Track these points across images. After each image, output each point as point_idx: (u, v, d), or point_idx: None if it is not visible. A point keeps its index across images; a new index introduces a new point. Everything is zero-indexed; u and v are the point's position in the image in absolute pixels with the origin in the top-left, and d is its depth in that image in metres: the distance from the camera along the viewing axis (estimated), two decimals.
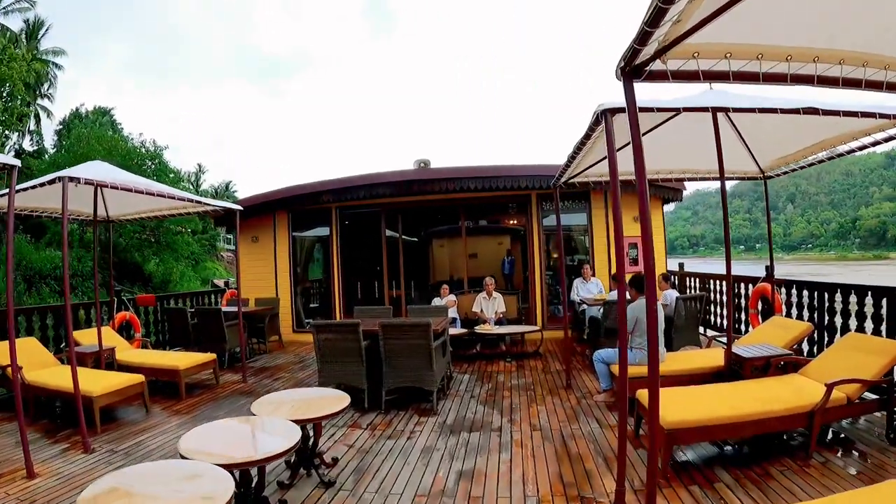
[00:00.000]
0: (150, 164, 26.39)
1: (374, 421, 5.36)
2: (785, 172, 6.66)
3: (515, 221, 14.13)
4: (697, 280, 10.53)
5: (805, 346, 6.14)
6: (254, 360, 9.28)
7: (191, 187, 35.30)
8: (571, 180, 6.40)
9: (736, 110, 3.61)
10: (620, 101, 3.07)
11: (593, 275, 10.27)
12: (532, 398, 6.01)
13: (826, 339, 6.20)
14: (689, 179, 6.85)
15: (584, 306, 9.60)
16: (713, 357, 5.67)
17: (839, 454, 4.11)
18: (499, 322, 9.17)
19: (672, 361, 5.58)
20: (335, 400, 3.95)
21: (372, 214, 11.13)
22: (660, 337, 5.57)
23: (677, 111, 3.84)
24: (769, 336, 5.81)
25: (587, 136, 3.89)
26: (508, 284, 13.77)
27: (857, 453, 4.13)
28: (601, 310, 7.81)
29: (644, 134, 4.91)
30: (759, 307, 7.91)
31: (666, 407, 3.89)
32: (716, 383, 4.72)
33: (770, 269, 7.92)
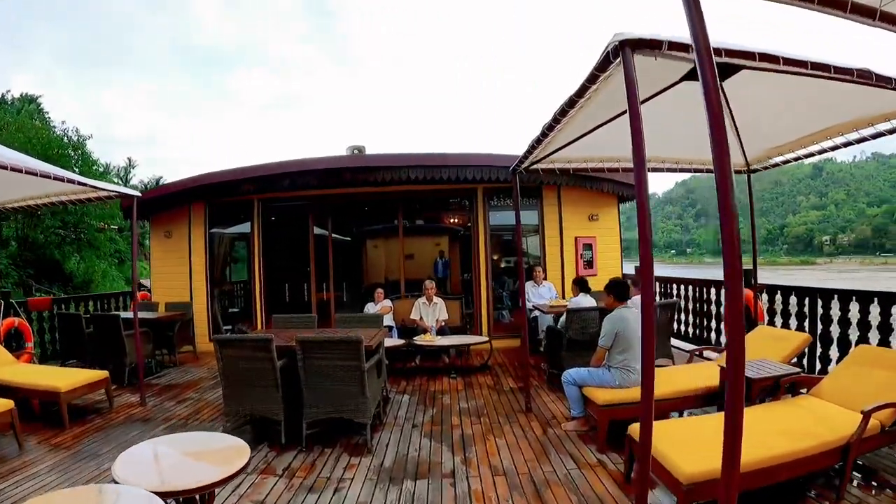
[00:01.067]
0: (72, 154, 24.53)
1: (293, 464, 4.33)
2: (772, 165, 6.31)
3: (456, 220, 13.32)
4: (658, 284, 10.01)
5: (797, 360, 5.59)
6: (160, 375, 8.06)
7: (119, 182, 32.98)
8: (535, 166, 5.60)
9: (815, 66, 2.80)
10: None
11: (545, 278, 9.58)
12: (487, 427, 5.15)
13: (819, 350, 5.74)
14: (669, 170, 6.22)
15: (536, 313, 8.92)
16: (704, 375, 5.04)
17: (874, 492, 3.51)
18: (440, 331, 8.30)
19: (657, 382, 4.82)
20: (231, 454, 2.92)
21: (299, 209, 10.02)
22: (636, 351, 4.83)
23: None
24: (762, 349, 5.22)
25: (586, 87, 3.02)
26: (442, 288, 12.84)
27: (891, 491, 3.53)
28: (562, 319, 7.07)
29: (617, 117, 4.25)
30: None
31: (677, 450, 3.12)
32: (721, 412, 3.99)
33: (753, 274, 7.48)
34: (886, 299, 5.20)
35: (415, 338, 7.81)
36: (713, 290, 8.20)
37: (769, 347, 5.28)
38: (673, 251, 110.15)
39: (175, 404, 6.31)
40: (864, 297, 5.39)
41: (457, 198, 10.06)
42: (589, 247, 10.51)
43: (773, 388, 4.31)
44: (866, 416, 3.42)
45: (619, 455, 4.26)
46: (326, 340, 4.53)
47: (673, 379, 4.96)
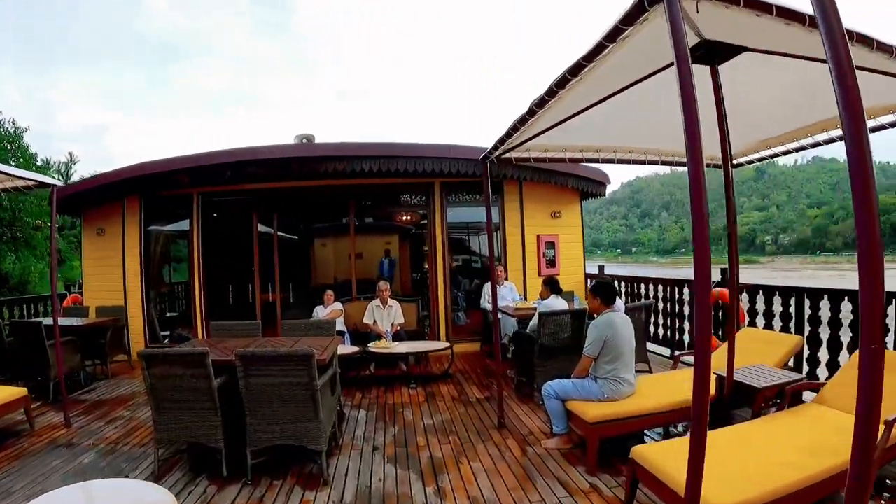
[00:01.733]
0: (8, 147, 23.05)
1: (237, 502, 3.71)
2: (758, 160, 5.91)
3: (409, 217, 12.81)
4: (624, 284, 9.78)
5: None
6: (89, 388, 7.22)
7: (59, 177, 30.97)
8: (508, 154, 5.15)
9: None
10: None
11: (506, 278, 9.18)
12: (459, 448, 4.65)
13: (808, 353, 5.56)
14: (651, 163, 5.88)
15: (499, 315, 8.49)
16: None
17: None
18: (397, 336, 7.77)
19: (648, 392, 4.47)
20: None
21: (242, 204, 9.29)
22: (627, 359, 4.45)
23: None
24: (752, 353, 4.97)
25: (603, 46, 2.55)
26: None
27: None
28: (532, 322, 6.65)
29: (608, 98, 3.84)
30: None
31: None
32: (730, 425, 3.65)
33: (726, 273, 7.31)
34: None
35: (369, 344, 7.26)
36: (686, 290, 7.96)
37: (760, 352, 5.03)
38: (618, 250, 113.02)
39: (104, 425, 5.56)
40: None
41: (412, 193, 9.53)
42: (551, 245, 10.19)
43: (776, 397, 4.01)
44: (889, 425, 3.11)
45: (613, 477, 3.87)
46: (271, 355, 3.89)
47: (665, 388, 4.60)
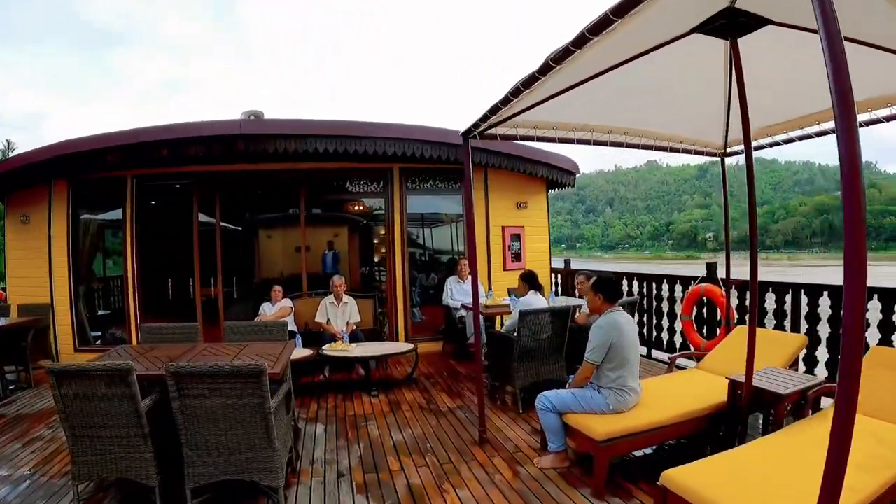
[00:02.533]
0: None
1: None
2: (756, 147, 5.35)
3: (360, 207, 12.07)
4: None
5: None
6: (8, 401, 6.29)
7: None
8: (493, 130, 4.58)
9: None
10: None
11: (470, 273, 8.61)
12: (439, 471, 4.02)
13: (804, 352, 5.21)
14: (645, 147, 5.44)
15: (463, 312, 7.95)
16: (706, 390, 4.29)
17: None
18: (353, 336, 7.08)
19: (654, 402, 4.00)
20: None
21: (181, 189, 8.36)
22: (633, 366, 3.95)
23: None
24: (756, 354, 4.50)
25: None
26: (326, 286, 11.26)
27: None
28: (509, 322, 6.11)
29: (608, 70, 3.48)
30: (694, 313, 6.90)
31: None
32: (756, 439, 3.34)
33: (712, 268, 7.00)
34: (888, 296, 4.76)
35: (324, 347, 6.56)
36: (665, 287, 7.59)
37: (764, 352, 4.56)
38: (563, 245, 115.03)
39: (21, 448, 4.67)
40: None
41: (369, 179, 8.81)
42: (517, 238, 9.71)
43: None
44: None
45: (624, 501, 3.34)
46: (211, 371, 3.12)
47: (672, 396, 4.16)
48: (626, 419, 3.72)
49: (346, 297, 7.53)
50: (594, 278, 4.22)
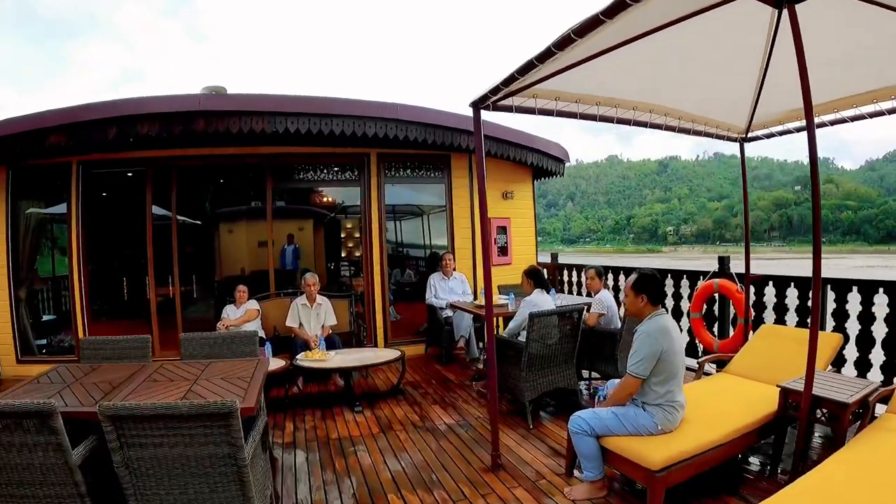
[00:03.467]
0: None
1: None
2: (779, 133, 5.16)
3: (329, 199, 11.26)
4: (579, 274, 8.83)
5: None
6: None
7: None
8: (508, 100, 3.90)
9: None
10: None
11: (455, 268, 7.90)
12: None
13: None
14: (667, 128, 4.86)
15: (449, 312, 7.28)
16: (753, 400, 3.81)
17: None
18: (329, 342, 6.32)
19: (698, 418, 3.45)
20: None
21: (135, 179, 7.40)
22: (680, 377, 3.34)
23: None
24: (786, 355, 4.22)
25: None
26: (291, 283, 10.35)
27: None
28: (513, 325, 5.45)
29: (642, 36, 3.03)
30: (704, 310, 6.42)
31: None
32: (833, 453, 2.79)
33: (725, 262, 6.52)
34: None
35: (298, 356, 5.76)
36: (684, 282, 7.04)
37: (795, 353, 3.99)
38: None
39: None
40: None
41: (344, 166, 7.99)
42: (503, 230, 9.05)
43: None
44: None
45: None
46: (162, 414, 2.27)
47: (716, 409, 3.66)
48: (679, 441, 3.16)
49: (319, 298, 6.74)
50: (635, 276, 3.53)
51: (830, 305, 5.07)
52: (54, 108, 6.18)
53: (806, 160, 3.24)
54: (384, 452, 4.31)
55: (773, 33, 3.48)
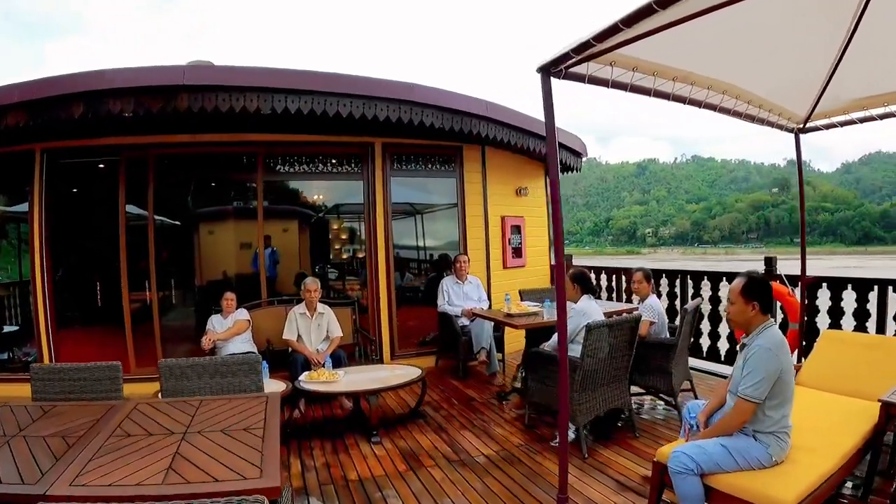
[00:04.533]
0: None
1: None
2: (841, 124, 4.72)
3: (320, 196, 10.34)
4: (608, 277, 8.16)
5: None
6: None
7: None
8: (580, 67, 3.16)
9: None
10: None
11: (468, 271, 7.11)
12: None
13: None
14: (734, 114, 4.25)
15: (465, 321, 6.54)
16: (834, 416, 3.44)
17: None
18: (336, 359, 5.48)
19: (803, 443, 2.90)
20: None
21: (107, 171, 6.51)
22: (789, 401, 2.81)
23: None
24: (859, 363, 3.88)
25: None
26: (271, 290, 9.19)
27: None
28: (555, 338, 4.68)
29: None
30: None
31: None
32: None
33: (772, 262, 6.14)
34: None
35: (301, 377, 4.92)
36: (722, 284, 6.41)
37: (869, 360, 3.83)
38: None
39: None
40: None
41: (343, 158, 7.11)
42: (517, 230, 8.29)
43: None
44: None
45: None
46: None
47: (813, 429, 3.10)
48: (799, 472, 2.68)
49: (320, 307, 5.92)
50: (744, 280, 2.92)
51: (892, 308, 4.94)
52: (13, 83, 5.20)
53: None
54: (420, 498, 3.53)
55: (860, 10, 3.03)
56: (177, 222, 7.61)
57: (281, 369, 5.47)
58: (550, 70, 3.10)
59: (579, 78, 3.23)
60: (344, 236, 9.50)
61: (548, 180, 8.87)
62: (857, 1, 2.96)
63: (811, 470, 2.71)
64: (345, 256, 9.32)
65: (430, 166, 7.44)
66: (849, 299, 5.33)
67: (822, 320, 5.56)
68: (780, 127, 4.89)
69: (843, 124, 4.71)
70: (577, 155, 8.47)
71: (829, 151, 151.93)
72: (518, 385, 5.28)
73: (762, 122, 4.61)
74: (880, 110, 4.36)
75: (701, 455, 2.71)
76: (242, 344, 5.75)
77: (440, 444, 4.47)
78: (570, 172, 8.97)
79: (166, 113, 4.89)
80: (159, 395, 4.12)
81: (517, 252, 8.23)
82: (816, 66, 3.81)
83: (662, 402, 5.32)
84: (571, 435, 4.50)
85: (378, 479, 3.83)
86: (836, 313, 5.38)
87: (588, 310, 4.58)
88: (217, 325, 5.77)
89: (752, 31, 3.12)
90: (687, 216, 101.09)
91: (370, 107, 5.48)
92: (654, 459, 3.01)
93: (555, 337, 4.73)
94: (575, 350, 4.54)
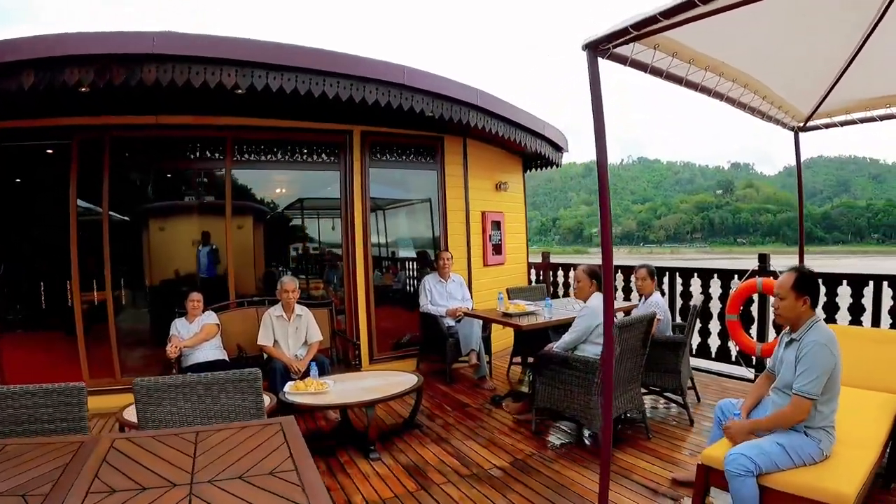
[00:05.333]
0: None
1: None
2: (842, 123, 4.79)
3: (283, 190, 9.77)
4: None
5: None
6: None
7: None
8: (626, 47, 2.93)
9: None
10: None
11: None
12: None
13: None
14: (739, 105, 4.05)
15: (451, 322, 6.22)
16: (865, 408, 3.40)
17: None
18: (320, 365, 5.05)
19: (844, 436, 2.90)
20: None
21: (56, 157, 5.86)
22: (837, 396, 2.83)
23: None
24: (869, 360, 3.81)
25: None
26: (209, 293, 8.25)
27: None
28: (568, 338, 4.43)
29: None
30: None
31: None
32: None
33: (765, 259, 6.11)
34: None
35: (285, 388, 4.46)
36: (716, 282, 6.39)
37: (880, 353, 3.81)
38: None
39: None
40: None
41: (318, 146, 6.62)
42: (497, 226, 8.00)
43: None
44: None
45: None
46: None
47: (853, 425, 3.05)
48: (847, 466, 2.70)
49: (298, 308, 5.50)
50: (795, 275, 2.92)
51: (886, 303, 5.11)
52: None
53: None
54: None
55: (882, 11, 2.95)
56: (126, 217, 6.95)
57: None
58: (599, 48, 2.86)
59: (621, 59, 3.02)
60: (303, 233, 9.00)
61: (529, 174, 8.70)
62: (880, 2, 2.85)
63: (860, 462, 2.73)
64: (294, 254, 8.81)
65: (409, 158, 7.08)
66: (843, 293, 5.42)
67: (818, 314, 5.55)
68: (783, 124, 4.88)
69: (843, 124, 4.76)
70: (559, 149, 8.26)
71: (772, 155, 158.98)
72: (524, 389, 4.95)
73: (768, 118, 4.58)
74: (881, 111, 4.43)
75: (760, 455, 2.66)
76: (212, 351, 5.25)
77: (446, 457, 4.13)
78: (547, 167, 8.76)
79: (130, 87, 4.30)
80: (126, 415, 3.62)
81: (497, 249, 7.97)
82: (830, 63, 3.75)
83: (664, 401, 5.28)
84: (587, 441, 4.29)
85: (388, 503, 3.44)
86: (831, 308, 5.42)
87: (601, 308, 4.32)
88: (182, 329, 5.26)
89: (778, 23, 3.01)
90: (633, 216, 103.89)
91: (358, 88, 5.02)
92: (699, 462, 2.95)
93: (566, 337, 4.50)
94: (588, 350, 4.33)
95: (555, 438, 4.52)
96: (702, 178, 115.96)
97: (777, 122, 4.76)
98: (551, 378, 4.38)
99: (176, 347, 4.97)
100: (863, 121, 4.62)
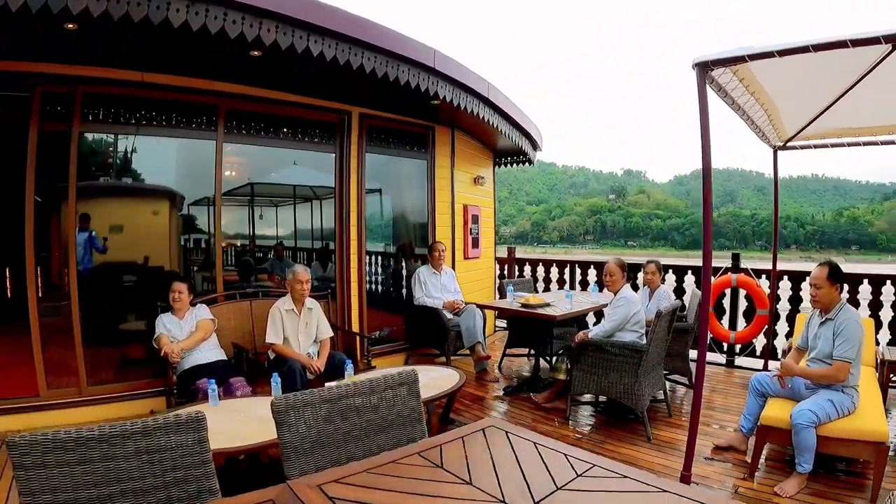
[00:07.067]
0: None
1: None
2: (815, 146, 5.67)
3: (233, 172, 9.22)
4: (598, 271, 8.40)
5: None
6: None
7: None
8: (729, 68, 3.31)
9: None
10: None
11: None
12: None
13: None
14: (742, 113, 4.44)
15: (450, 316, 6.49)
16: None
17: None
18: (343, 368, 4.69)
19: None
20: None
21: (9, 109, 4.72)
22: (860, 361, 3.68)
23: None
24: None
25: None
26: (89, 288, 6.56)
27: None
28: (604, 327, 4.79)
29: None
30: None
31: None
32: None
33: (737, 258, 6.80)
34: None
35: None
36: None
37: None
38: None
39: None
40: None
41: (313, 127, 6.34)
42: (476, 219, 8.17)
43: None
44: None
45: None
46: None
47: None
48: (873, 413, 3.61)
49: (309, 301, 5.20)
50: (828, 267, 3.71)
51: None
52: None
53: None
54: None
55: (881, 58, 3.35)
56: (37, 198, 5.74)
57: (261, 382, 4.45)
58: (708, 68, 3.24)
59: (716, 85, 3.49)
60: (251, 223, 8.61)
61: (500, 170, 8.90)
62: (881, 51, 3.15)
63: (878, 413, 3.61)
64: (235, 244, 8.34)
65: (402, 145, 7.06)
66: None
67: (783, 306, 6.56)
68: (767, 140, 5.49)
69: (816, 146, 5.63)
70: (535, 145, 8.50)
71: (662, 164, 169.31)
72: (561, 376, 5.11)
73: (759, 132, 5.08)
74: (850, 139, 5.31)
75: (820, 410, 3.42)
76: (211, 351, 4.77)
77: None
78: (519, 164, 9.03)
79: (111, 24, 3.36)
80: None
81: (475, 243, 8.13)
82: (824, 96, 4.22)
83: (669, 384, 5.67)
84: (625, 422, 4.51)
85: None
86: (795, 301, 6.38)
87: (635, 298, 4.93)
88: (172, 326, 4.70)
89: (812, 61, 3.14)
90: (528, 217, 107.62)
91: (356, 54, 4.51)
92: (760, 424, 3.72)
93: (605, 325, 4.81)
94: (626, 338, 4.60)
95: (587, 422, 4.90)
96: (595, 182, 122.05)
97: (764, 137, 5.33)
98: (592, 365, 4.64)
99: (177, 351, 4.42)
100: (833, 146, 5.48)
